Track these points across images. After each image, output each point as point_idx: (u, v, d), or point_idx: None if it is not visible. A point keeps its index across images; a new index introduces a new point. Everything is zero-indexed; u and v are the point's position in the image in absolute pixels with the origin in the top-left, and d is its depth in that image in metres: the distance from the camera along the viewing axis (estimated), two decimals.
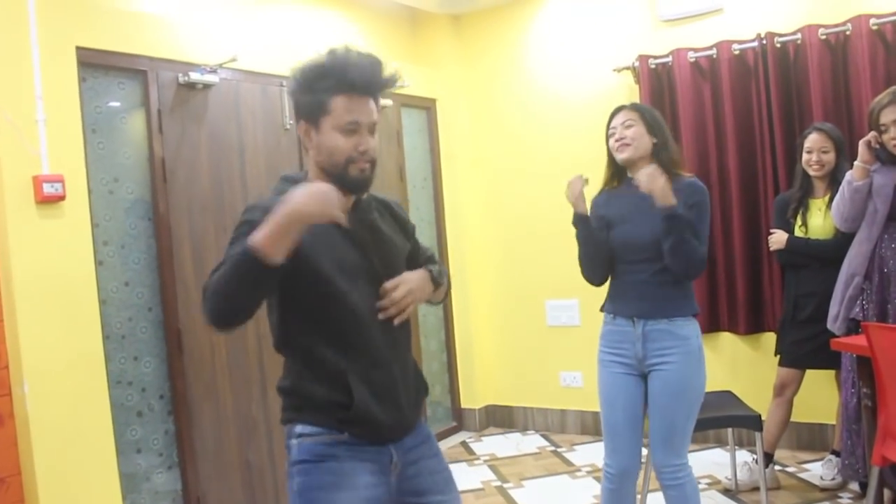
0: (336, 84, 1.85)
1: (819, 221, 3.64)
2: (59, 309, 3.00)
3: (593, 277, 2.89)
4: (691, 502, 2.69)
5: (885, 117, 3.21)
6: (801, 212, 3.69)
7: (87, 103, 3.26)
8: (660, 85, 4.51)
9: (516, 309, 5.20)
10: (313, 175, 1.93)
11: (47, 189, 2.95)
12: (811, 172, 3.65)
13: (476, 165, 5.31)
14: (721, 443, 4.44)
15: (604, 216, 2.86)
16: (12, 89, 2.90)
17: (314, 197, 1.66)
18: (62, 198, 3.00)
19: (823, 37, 4.03)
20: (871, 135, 3.27)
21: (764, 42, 4.16)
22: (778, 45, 4.13)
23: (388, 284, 1.91)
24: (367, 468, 1.90)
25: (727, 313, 4.39)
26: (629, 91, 4.60)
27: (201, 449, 3.57)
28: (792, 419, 4.11)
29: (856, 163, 3.31)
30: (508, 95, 5.16)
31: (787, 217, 3.73)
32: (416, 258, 2.13)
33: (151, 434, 3.44)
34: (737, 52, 4.25)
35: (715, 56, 4.32)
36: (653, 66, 4.50)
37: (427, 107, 5.19)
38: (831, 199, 3.57)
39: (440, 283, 2.06)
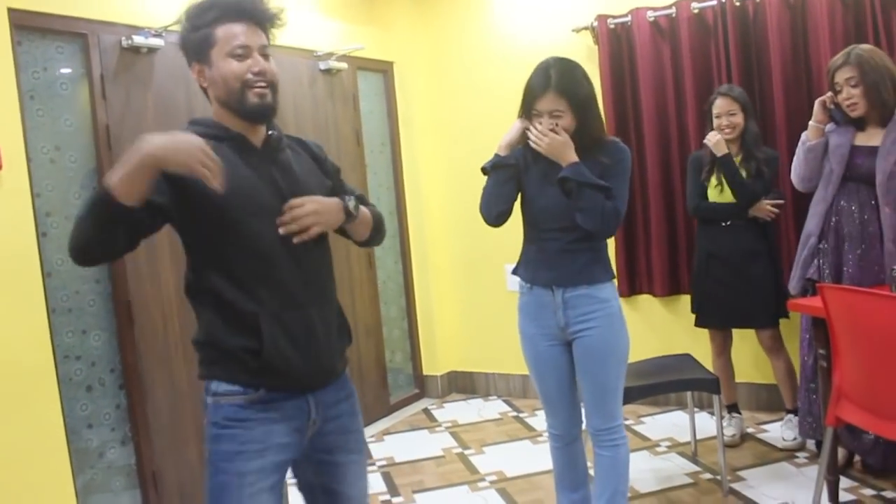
0: (219, 14, 1.83)
1: None
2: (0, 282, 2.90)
3: (496, 219, 2.77)
4: (621, 465, 2.71)
5: (840, 76, 3.20)
6: (715, 172, 3.77)
7: (24, 69, 3.12)
8: (619, 45, 4.45)
9: (476, 274, 5.16)
10: (216, 116, 1.91)
11: None
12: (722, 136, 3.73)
13: (434, 129, 5.23)
14: (681, 405, 4.47)
15: (518, 169, 2.76)
16: None
17: (172, 144, 1.61)
18: None
19: None
20: (827, 95, 3.26)
21: (723, 1, 4.10)
22: (737, 4, 4.08)
23: (295, 201, 1.84)
24: (280, 430, 1.86)
25: (686, 275, 4.39)
26: (588, 51, 4.52)
27: (155, 423, 3.50)
28: (749, 380, 4.21)
29: (810, 122, 3.31)
30: (466, 58, 5.07)
31: (702, 179, 3.81)
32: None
33: (103, 409, 3.37)
34: (696, 11, 4.20)
35: (674, 15, 4.26)
36: (612, 26, 4.44)
37: (384, 70, 5.07)
38: (743, 158, 3.73)
39: (354, 216, 1.97)
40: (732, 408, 3.98)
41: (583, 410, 2.78)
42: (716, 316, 3.86)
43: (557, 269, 2.67)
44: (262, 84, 1.84)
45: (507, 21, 4.90)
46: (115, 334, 3.41)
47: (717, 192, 3.75)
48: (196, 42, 1.85)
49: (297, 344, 1.86)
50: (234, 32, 1.83)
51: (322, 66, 4.48)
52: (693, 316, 3.97)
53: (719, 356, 3.94)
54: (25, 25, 3.10)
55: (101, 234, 1.64)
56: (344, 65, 4.59)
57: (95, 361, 3.35)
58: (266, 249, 1.83)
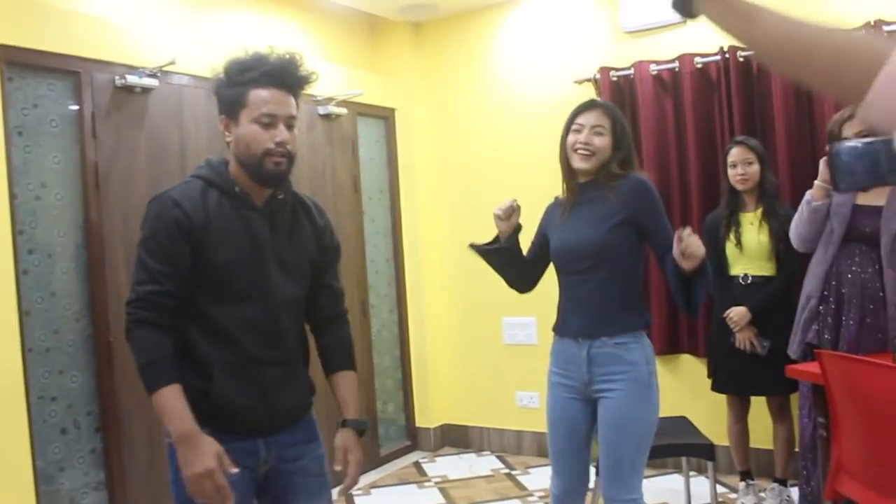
0: (254, 77, 1.91)
1: (753, 237, 3.57)
2: None
3: (520, 288, 2.83)
4: None
5: (847, 131, 3.11)
6: (733, 228, 3.61)
7: (13, 105, 3.09)
8: (621, 97, 4.39)
9: (473, 325, 5.06)
10: (233, 168, 1.99)
11: None
12: (738, 187, 3.60)
13: (435, 176, 5.18)
14: (679, 468, 4.31)
15: (544, 227, 2.75)
16: None
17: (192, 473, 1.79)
18: None
19: None
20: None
21: (727, 56, 4.05)
22: (741, 59, 4.03)
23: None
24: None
25: (686, 334, 4.27)
26: None
27: (132, 469, 3.39)
28: (764, 447, 4.00)
29: (816, 182, 3.21)
30: (468, 106, 5.04)
31: (720, 235, 3.64)
32: (321, 276, 2.14)
33: (76, 453, 3.27)
34: (699, 66, 4.16)
35: (677, 69, 4.22)
36: (614, 79, 4.40)
37: (385, 116, 5.04)
38: (764, 213, 3.55)
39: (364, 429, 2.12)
40: (746, 475, 3.79)
41: (592, 473, 2.68)
42: (733, 383, 3.68)
43: (581, 317, 2.53)
44: (281, 154, 1.92)
45: (509, 71, 4.87)
46: (94, 376, 3.33)
47: (739, 251, 3.57)
48: (229, 98, 1.94)
49: (248, 394, 1.93)
50: (264, 99, 1.90)
51: (321, 110, 4.45)
52: (694, 377, 3.83)
53: (737, 422, 3.76)
54: (17, 62, 3.09)
55: None
56: (344, 110, 4.57)
57: (72, 403, 3.26)
58: (237, 306, 1.93)
